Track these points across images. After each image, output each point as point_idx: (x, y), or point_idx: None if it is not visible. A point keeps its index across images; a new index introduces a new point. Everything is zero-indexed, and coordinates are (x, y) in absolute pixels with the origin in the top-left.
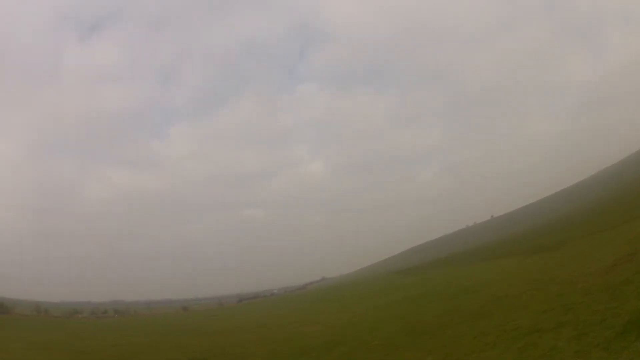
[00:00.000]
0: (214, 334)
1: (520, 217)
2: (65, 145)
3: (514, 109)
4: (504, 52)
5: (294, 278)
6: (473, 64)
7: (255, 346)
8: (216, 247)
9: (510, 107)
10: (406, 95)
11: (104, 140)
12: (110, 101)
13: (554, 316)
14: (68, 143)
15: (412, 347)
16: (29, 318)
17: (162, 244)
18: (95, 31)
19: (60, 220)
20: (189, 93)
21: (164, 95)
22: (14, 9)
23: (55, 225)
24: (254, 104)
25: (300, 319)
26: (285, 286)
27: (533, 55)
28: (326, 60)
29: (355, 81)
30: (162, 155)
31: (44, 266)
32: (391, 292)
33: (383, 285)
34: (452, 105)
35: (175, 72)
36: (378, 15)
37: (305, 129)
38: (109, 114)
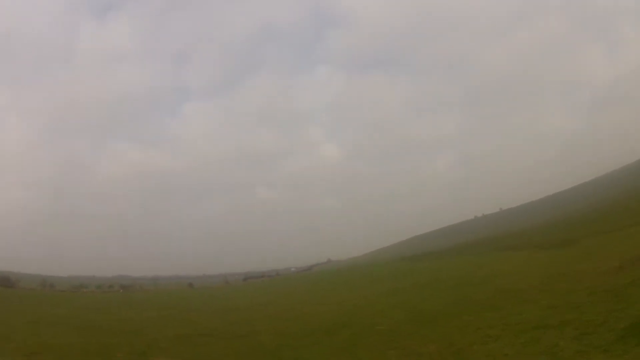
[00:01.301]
0: (221, 311)
1: (530, 212)
2: (80, 124)
3: (529, 103)
4: (520, 44)
5: (300, 259)
6: (489, 56)
7: (261, 324)
8: (225, 226)
9: (525, 100)
10: (422, 84)
11: (118, 120)
12: (126, 81)
13: (559, 313)
14: (83, 122)
15: (417, 335)
16: (34, 292)
17: (173, 221)
18: (111, 11)
19: (74, 198)
20: (204, 73)
21: (180, 75)
22: None
23: (69, 203)
24: (269, 85)
25: (307, 300)
26: (291, 267)
27: (549, 49)
28: (343, 44)
29: (372, 66)
30: (176, 134)
31: (55, 242)
32: (399, 278)
33: (391, 270)
34: (468, 96)
35: (191, 52)
36: (396, 1)
37: (320, 112)
38: (124, 94)
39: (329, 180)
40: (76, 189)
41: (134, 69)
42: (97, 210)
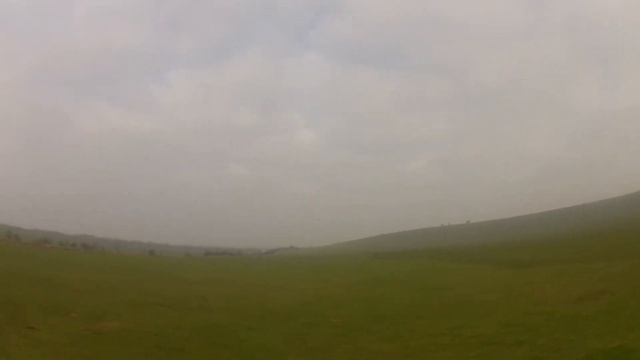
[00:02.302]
0: (178, 282)
1: (498, 228)
2: (64, 77)
3: (517, 119)
4: (519, 61)
5: (263, 242)
6: (484, 65)
7: (217, 300)
8: (194, 198)
9: (514, 116)
10: (412, 83)
11: (103, 77)
12: (116, 39)
13: (514, 332)
14: (68, 75)
15: (371, 331)
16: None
17: (143, 186)
18: None
19: (48, 150)
20: (195, 41)
21: (170, 40)
22: None
23: (43, 154)
24: (257, 62)
25: (265, 283)
26: (255, 248)
27: (546, 71)
28: (337, 33)
29: (363, 59)
30: (159, 99)
31: (24, 193)
32: (361, 273)
33: (354, 265)
34: (457, 101)
35: (186, 18)
36: None
37: (304, 97)
38: (113, 51)
39: (304, 165)
40: (51, 141)
41: (126, 27)
42: (70, 166)
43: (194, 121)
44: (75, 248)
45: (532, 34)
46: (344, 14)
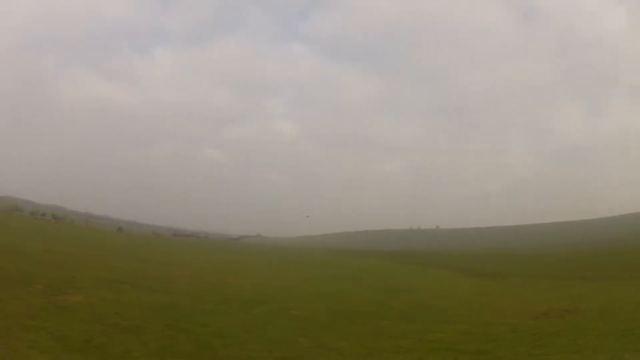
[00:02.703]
0: (143, 261)
1: (465, 237)
2: (48, 41)
3: (495, 133)
4: (503, 75)
5: (231, 227)
6: (468, 77)
7: (179, 282)
8: (167, 177)
9: (492, 129)
10: (394, 85)
11: (88, 45)
12: (105, 7)
13: (475, 341)
14: (52, 39)
15: (331, 327)
16: None
17: (116, 160)
18: None
19: (25, 114)
20: (183, 19)
21: (158, 15)
22: None
23: (20, 118)
24: (243, 47)
25: (229, 269)
26: (219, 232)
27: (531, 89)
28: (326, 27)
29: (349, 56)
30: (142, 73)
31: None
32: (326, 268)
33: (319, 259)
34: (437, 110)
35: None
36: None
37: (287, 86)
38: (100, 19)
39: (279, 155)
40: (29, 105)
41: None
42: (45, 131)
43: (174, 100)
44: (45, 218)
45: (522, 51)
46: (336, 9)
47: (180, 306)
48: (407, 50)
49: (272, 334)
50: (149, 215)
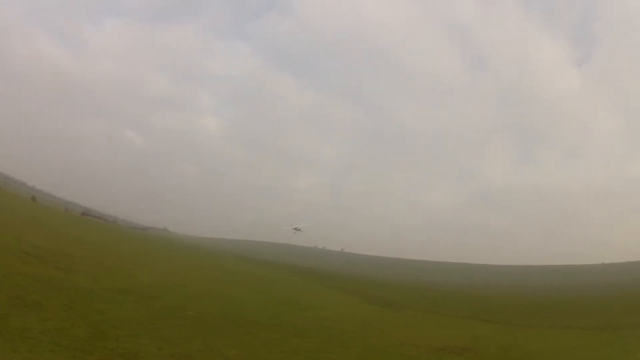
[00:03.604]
0: (54, 235)
1: (372, 263)
2: None
3: (422, 168)
4: (442, 115)
5: (139, 215)
6: (406, 110)
7: (85, 262)
8: (85, 152)
9: (420, 164)
10: (330, 105)
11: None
12: None
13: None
14: None
15: (223, 333)
16: None
17: (40, 124)
18: None
19: None
20: None
21: None
22: None
23: None
24: (192, 36)
25: (131, 258)
26: (127, 219)
27: (466, 132)
28: (275, 32)
29: (289, 66)
30: (87, 40)
31: None
32: (227, 273)
33: (222, 262)
34: (368, 136)
35: None
36: (343, 16)
37: (222, 84)
38: None
39: (199, 151)
40: None
41: None
42: None
43: (112, 74)
44: None
45: (465, 95)
46: (289, 16)
47: (81, 289)
48: (349, 73)
49: (164, 332)
50: (62, 188)
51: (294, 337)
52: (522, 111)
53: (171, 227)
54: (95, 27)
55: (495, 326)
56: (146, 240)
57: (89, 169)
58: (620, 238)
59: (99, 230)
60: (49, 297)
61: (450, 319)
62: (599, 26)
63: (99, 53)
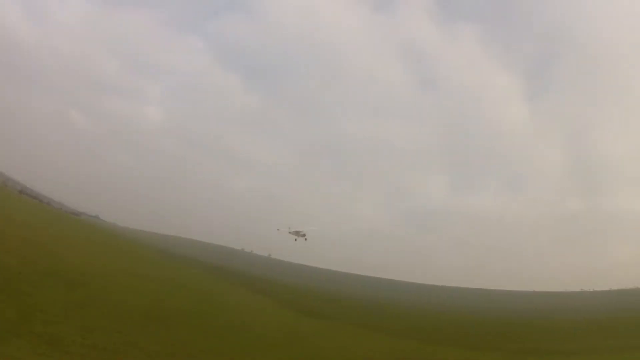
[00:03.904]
0: None
1: (300, 272)
2: None
3: (357, 180)
4: (384, 130)
5: (71, 198)
6: (350, 121)
7: (15, 241)
8: (34, 128)
9: (356, 176)
10: (274, 109)
11: None
12: None
13: None
14: None
15: (146, 327)
16: None
17: None
18: None
19: None
20: None
21: None
22: None
23: None
24: (151, 22)
25: (65, 243)
26: (59, 201)
27: (406, 149)
28: (232, 31)
29: (240, 66)
30: (51, 12)
31: None
32: (154, 267)
33: (150, 256)
34: (308, 144)
35: None
36: (299, 22)
37: (171, 76)
38: None
39: (140, 140)
40: None
41: None
42: None
43: (70, 50)
44: None
45: (411, 111)
46: (246, 18)
47: (11, 267)
48: (296, 80)
49: (89, 321)
50: (5, 162)
51: (214, 338)
52: (468, 136)
53: (103, 215)
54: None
55: (420, 344)
56: (78, 226)
57: (32, 145)
58: (551, 267)
59: (34, 210)
60: None
61: (374, 333)
62: (556, 68)
63: (58, 26)
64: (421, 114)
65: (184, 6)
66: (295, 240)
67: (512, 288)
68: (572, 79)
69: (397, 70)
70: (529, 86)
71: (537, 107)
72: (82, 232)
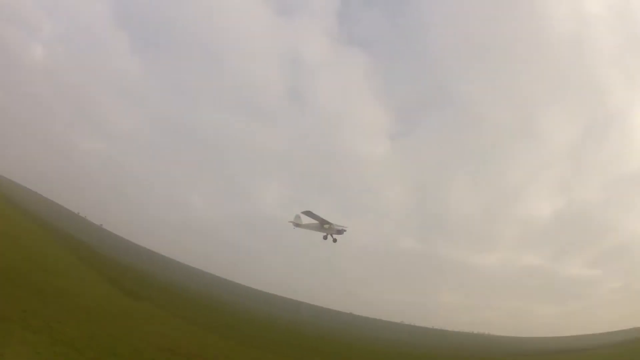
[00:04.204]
0: None
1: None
2: None
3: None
4: (250, 122)
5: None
6: (210, 114)
7: None
8: None
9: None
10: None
11: None
12: None
13: None
14: None
15: None
16: None
17: None
18: None
19: None
20: None
21: None
22: None
23: None
24: None
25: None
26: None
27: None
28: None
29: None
30: None
31: None
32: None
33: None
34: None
35: None
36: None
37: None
38: None
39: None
40: None
41: None
42: None
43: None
44: None
45: (280, 120)
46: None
47: None
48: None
49: None
50: None
51: (34, 299)
52: (321, 155)
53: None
54: None
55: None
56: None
57: None
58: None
59: None
60: None
61: (186, 323)
62: (428, 118)
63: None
64: (284, 123)
65: None
66: (334, 240)
67: (323, 305)
68: (438, 133)
69: (271, 78)
70: (396, 127)
71: (398, 147)
72: (27, 218)
